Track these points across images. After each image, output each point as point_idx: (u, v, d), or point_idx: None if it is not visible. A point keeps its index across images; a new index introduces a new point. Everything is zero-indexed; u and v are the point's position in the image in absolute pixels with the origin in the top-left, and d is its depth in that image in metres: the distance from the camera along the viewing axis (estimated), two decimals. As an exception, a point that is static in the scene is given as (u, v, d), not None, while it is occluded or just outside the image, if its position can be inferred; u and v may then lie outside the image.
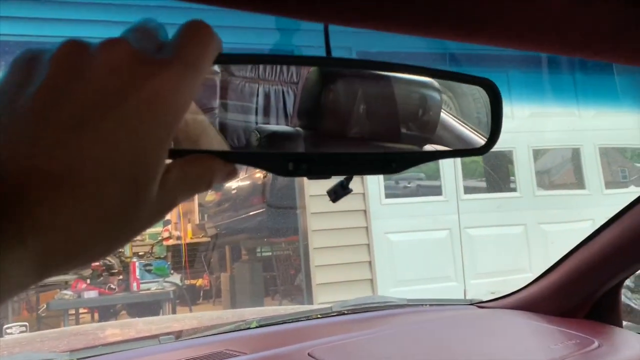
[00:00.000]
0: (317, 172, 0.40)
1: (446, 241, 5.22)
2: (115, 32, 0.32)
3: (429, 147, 0.50)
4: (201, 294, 8.25)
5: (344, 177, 0.53)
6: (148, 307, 5.78)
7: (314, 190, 4.53)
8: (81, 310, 6.16)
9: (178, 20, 0.33)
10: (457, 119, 0.52)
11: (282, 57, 0.44)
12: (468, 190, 5.42)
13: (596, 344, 1.14)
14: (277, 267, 6.49)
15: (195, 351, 1.17)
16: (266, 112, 0.44)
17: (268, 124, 0.44)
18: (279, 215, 5.61)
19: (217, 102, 0.40)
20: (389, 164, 0.43)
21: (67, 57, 0.29)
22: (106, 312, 6.08)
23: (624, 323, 1.37)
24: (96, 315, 6.21)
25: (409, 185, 5.44)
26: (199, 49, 0.31)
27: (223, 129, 0.40)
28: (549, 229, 5.47)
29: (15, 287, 0.27)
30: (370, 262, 4.65)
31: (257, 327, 1.36)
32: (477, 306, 1.54)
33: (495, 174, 5.88)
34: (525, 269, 5.24)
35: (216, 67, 0.40)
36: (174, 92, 0.30)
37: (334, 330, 1.31)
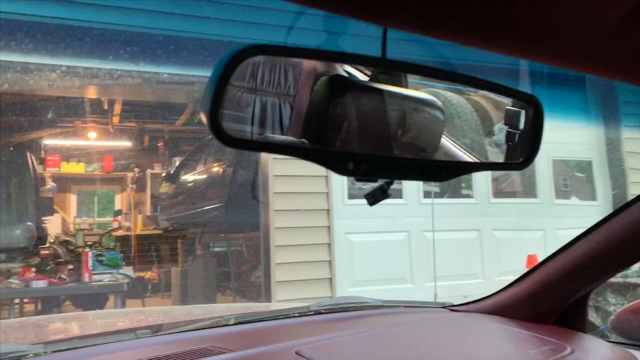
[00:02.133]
0: (375, 173, 0.41)
1: (404, 243, 5.31)
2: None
3: (470, 159, 0.52)
4: (149, 287, 8.09)
5: (385, 181, 0.54)
6: (95, 299, 5.61)
7: (278, 187, 4.51)
8: (25, 300, 5.92)
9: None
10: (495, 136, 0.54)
11: (343, 54, 0.44)
12: (427, 194, 5.53)
13: (569, 349, 1.19)
14: (232, 263, 6.43)
15: (177, 346, 1.15)
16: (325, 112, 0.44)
17: (328, 124, 0.44)
18: (238, 210, 5.55)
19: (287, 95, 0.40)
20: (439, 171, 0.44)
21: None
22: (50, 303, 5.87)
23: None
24: (40, 306, 5.99)
25: (363, 187, 5.49)
26: None
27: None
28: (502, 236, 5.65)
29: None
30: (330, 262, 4.67)
31: (236, 323, 1.35)
32: (449, 309, 1.58)
33: (454, 180, 6.03)
34: (477, 274, 5.40)
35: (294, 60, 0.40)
36: None
37: (314, 330, 1.32)
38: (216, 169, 6.25)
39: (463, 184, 6.08)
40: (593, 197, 6.20)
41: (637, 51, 0.48)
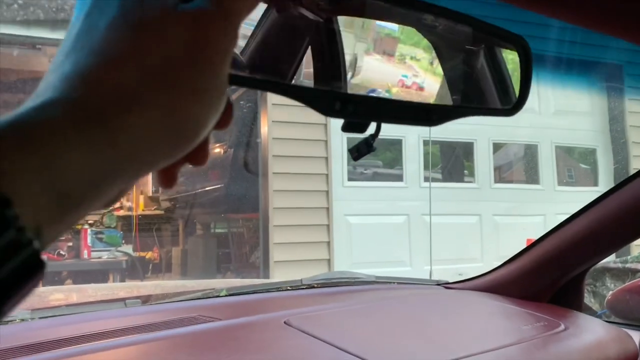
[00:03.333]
0: (363, 114, 0.39)
1: (403, 227, 5.29)
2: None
3: (461, 103, 0.50)
4: (150, 267, 8.12)
5: (369, 134, 0.52)
6: (95, 276, 5.63)
7: (278, 167, 4.50)
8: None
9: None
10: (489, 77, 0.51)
11: None
12: (428, 178, 5.51)
13: (562, 326, 1.17)
14: (232, 243, 6.44)
15: (165, 315, 1.14)
16: (314, 49, 0.42)
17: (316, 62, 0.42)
18: (237, 191, 5.55)
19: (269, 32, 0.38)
20: (429, 115, 0.42)
21: None
22: (51, 279, 5.89)
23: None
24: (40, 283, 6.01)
25: (365, 172, 5.47)
26: None
27: (272, 58, 0.38)
28: (502, 221, 5.63)
29: (112, 189, 0.28)
30: (328, 243, 4.67)
31: (227, 295, 1.34)
32: (444, 287, 1.56)
33: (455, 164, 6.00)
34: (477, 258, 5.39)
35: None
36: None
37: (306, 302, 1.31)
38: (217, 150, 6.24)
39: (466, 172, 6.05)
40: (596, 183, 6.17)
41: (633, 7, 0.46)
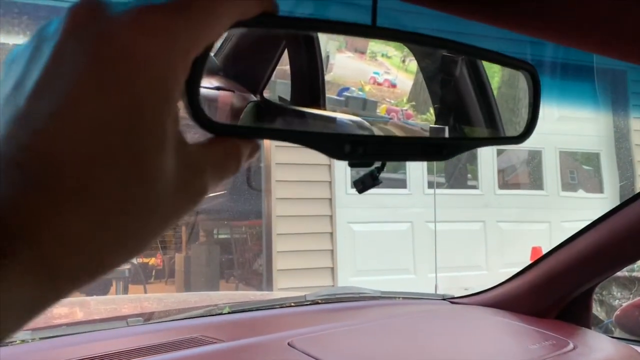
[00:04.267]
0: (374, 156, 0.37)
1: (407, 234, 5.27)
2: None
3: (470, 134, 0.49)
4: (153, 273, 8.11)
5: (375, 167, 0.50)
6: (98, 284, 5.62)
7: (281, 175, 4.48)
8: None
9: None
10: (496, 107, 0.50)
11: (328, 22, 0.40)
12: (432, 185, 5.49)
13: (571, 345, 1.15)
14: (235, 250, 6.43)
15: (168, 335, 1.12)
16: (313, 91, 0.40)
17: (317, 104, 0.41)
18: (241, 198, 5.54)
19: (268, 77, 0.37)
20: (440, 150, 0.41)
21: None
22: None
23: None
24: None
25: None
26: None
27: (272, 105, 0.37)
28: (507, 228, 5.61)
29: (30, 313, 0.24)
30: (332, 251, 4.65)
31: (229, 312, 1.33)
32: (449, 301, 1.54)
33: (459, 170, 5.98)
34: (481, 266, 5.36)
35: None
36: (169, 43, 0.25)
37: (309, 320, 1.29)
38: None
39: (469, 175, 6.03)
40: (600, 190, 6.14)
41: (635, 31, 0.45)
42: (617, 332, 1.58)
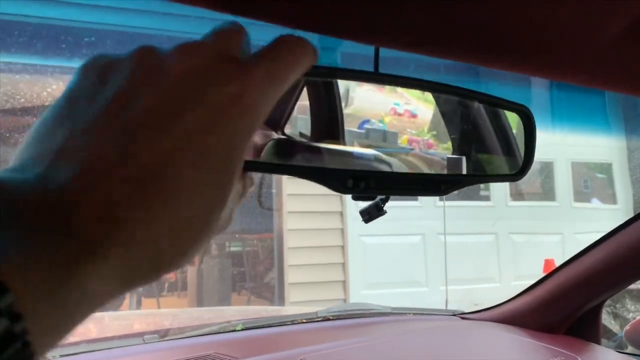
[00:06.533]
0: (374, 190, 0.40)
1: (419, 246, 5.27)
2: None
3: (469, 171, 0.51)
4: (166, 286, 8.15)
5: (379, 198, 0.53)
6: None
7: (292, 189, 4.51)
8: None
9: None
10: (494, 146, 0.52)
11: (333, 70, 0.43)
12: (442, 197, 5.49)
13: (580, 361, 1.16)
14: (247, 263, 6.45)
15: (182, 352, 1.15)
16: (319, 127, 0.43)
17: (321, 140, 0.44)
18: (252, 212, 5.57)
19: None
20: (438, 185, 0.43)
21: (143, 60, 0.28)
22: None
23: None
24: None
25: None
26: (287, 61, 0.30)
27: (290, 142, 0.40)
28: (519, 240, 5.58)
29: (97, 305, 0.25)
30: (343, 264, 4.66)
31: (243, 329, 1.35)
32: (460, 317, 1.56)
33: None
34: (494, 278, 5.33)
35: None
36: (255, 98, 0.28)
37: (321, 337, 1.31)
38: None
39: (482, 186, 6.01)
40: (613, 201, 6.10)
41: (638, 64, 0.47)
42: (629, 348, 1.58)
